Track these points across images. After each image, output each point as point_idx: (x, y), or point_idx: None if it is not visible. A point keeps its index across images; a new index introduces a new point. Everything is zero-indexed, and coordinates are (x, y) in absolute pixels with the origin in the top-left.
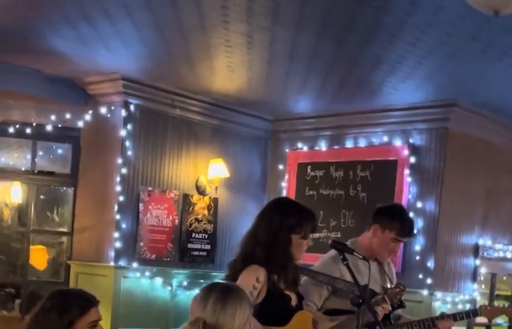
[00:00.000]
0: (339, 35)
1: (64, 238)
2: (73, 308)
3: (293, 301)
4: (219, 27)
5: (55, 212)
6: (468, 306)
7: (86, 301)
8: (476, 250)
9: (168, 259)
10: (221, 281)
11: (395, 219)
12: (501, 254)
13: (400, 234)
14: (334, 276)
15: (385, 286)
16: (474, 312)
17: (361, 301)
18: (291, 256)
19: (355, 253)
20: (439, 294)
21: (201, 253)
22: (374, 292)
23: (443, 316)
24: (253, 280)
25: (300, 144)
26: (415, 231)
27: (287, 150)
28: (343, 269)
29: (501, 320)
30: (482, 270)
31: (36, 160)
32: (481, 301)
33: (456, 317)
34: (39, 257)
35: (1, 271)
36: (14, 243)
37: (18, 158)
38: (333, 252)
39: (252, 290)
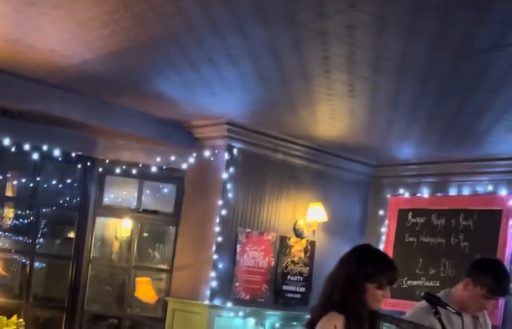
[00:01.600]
0: (441, 85)
1: (163, 275)
2: None
3: None
4: (321, 77)
5: (156, 249)
6: None
7: None
8: None
9: (262, 300)
10: None
11: (489, 275)
12: None
13: (491, 291)
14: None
15: None
16: None
17: None
18: (365, 304)
19: (448, 308)
20: None
21: (295, 295)
22: None
23: None
24: (331, 327)
25: (401, 190)
26: (509, 290)
27: (388, 195)
28: (433, 321)
29: None
30: None
31: (142, 198)
32: None
33: None
34: (145, 289)
35: (107, 302)
36: (121, 275)
37: (126, 196)
38: (424, 303)
39: None
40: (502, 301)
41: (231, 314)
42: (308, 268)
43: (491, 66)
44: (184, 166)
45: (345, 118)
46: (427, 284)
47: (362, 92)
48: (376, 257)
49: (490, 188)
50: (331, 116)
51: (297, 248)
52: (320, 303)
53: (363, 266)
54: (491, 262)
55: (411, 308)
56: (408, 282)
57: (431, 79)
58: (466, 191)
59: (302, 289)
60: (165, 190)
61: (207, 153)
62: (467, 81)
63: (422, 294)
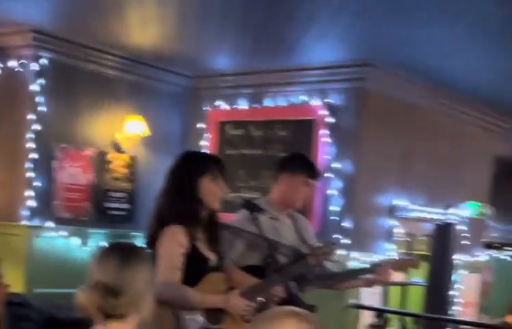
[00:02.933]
0: None
1: None
2: None
3: (213, 262)
4: None
5: None
6: None
7: None
8: (391, 210)
9: (85, 218)
10: (121, 241)
11: (303, 162)
12: (417, 215)
13: (309, 175)
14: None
15: (313, 245)
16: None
17: (269, 259)
18: (201, 202)
19: (266, 213)
20: (355, 254)
21: (120, 212)
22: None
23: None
24: (177, 248)
25: (219, 102)
26: (320, 173)
27: (206, 108)
28: (252, 228)
29: (416, 279)
30: (398, 230)
31: None
32: None
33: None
34: None
35: None
36: None
37: None
38: (243, 211)
39: (180, 259)
40: (319, 209)
41: (53, 233)
42: (131, 184)
43: None
44: None
45: (157, 26)
46: (248, 196)
47: None
48: (198, 153)
49: (304, 98)
50: (142, 23)
51: (117, 163)
52: (155, 218)
53: (189, 164)
54: (296, 153)
55: (233, 218)
56: (230, 195)
57: None
58: (281, 102)
59: (127, 206)
60: None
61: (12, 64)
62: None
63: (241, 202)
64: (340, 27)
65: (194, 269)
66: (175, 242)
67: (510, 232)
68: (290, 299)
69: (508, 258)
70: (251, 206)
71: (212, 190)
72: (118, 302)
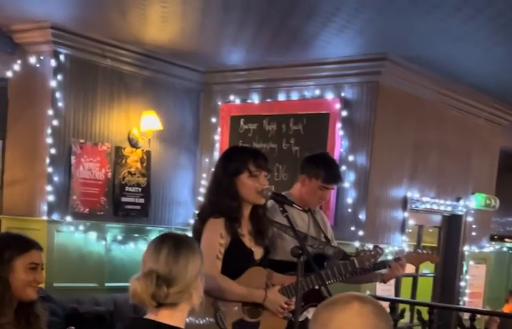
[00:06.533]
0: None
1: None
2: (13, 247)
3: (258, 255)
4: None
5: None
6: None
7: (26, 242)
8: (404, 203)
9: (102, 213)
10: (173, 232)
11: (320, 167)
12: (428, 206)
13: (325, 180)
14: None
15: (358, 248)
16: (396, 259)
17: (300, 251)
18: (238, 198)
19: (294, 205)
20: (370, 246)
21: (135, 207)
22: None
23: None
24: (217, 238)
25: (232, 97)
26: (341, 177)
27: (219, 102)
28: (282, 221)
29: (426, 270)
30: (410, 222)
31: None
32: None
33: (380, 266)
34: None
35: None
36: None
37: None
38: (271, 203)
39: (220, 249)
40: (333, 201)
41: (71, 228)
42: (146, 178)
43: None
44: (9, 74)
45: (177, 22)
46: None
47: None
48: (238, 148)
49: (317, 92)
50: (163, 19)
51: (133, 158)
52: (198, 214)
53: (227, 161)
54: (320, 155)
55: None
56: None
57: None
58: (295, 96)
59: (141, 200)
60: None
61: (32, 60)
62: None
63: (269, 194)
64: (360, 22)
65: (237, 262)
66: (215, 233)
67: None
68: (317, 292)
69: (508, 250)
70: (280, 198)
71: (250, 186)
72: (171, 291)
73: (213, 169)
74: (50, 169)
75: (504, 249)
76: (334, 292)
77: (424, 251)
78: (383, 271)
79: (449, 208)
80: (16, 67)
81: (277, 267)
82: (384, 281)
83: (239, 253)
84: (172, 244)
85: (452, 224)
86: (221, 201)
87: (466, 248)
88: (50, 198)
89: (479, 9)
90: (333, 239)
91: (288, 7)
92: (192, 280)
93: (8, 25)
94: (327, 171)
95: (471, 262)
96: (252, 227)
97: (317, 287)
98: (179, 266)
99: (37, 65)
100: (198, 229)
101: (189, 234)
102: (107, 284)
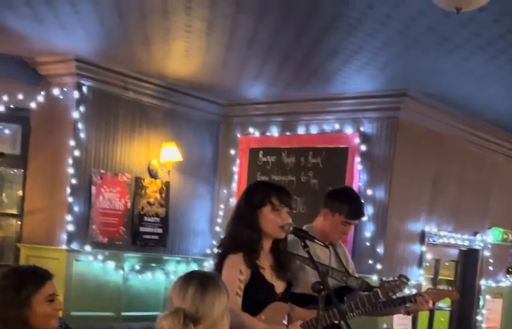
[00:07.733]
0: (299, 24)
1: (13, 221)
2: (28, 284)
3: (280, 289)
4: (181, 13)
5: (4, 193)
6: (414, 291)
7: (40, 276)
8: (422, 237)
9: (120, 242)
10: (199, 270)
11: (344, 202)
12: (445, 241)
13: (348, 215)
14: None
15: (382, 278)
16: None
17: (321, 287)
18: (260, 231)
19: (316, 241)
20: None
21: (153, 236)
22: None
23: (420, 293)
24: (236, 274)
25: (251, 130)
26: (363, 212)
27: (238, 135)
28: (304, 255)
29: (443, 304)
30: (428, 256)
31: None
32: (426, 285)
33: (405, 299)
34: None
35: None
36: None
37: None
38: (292, 237)
39: (239, 285)
40: (351, 234)
41: (90, 258)
42: (164, 209)
43: (349, 6)
44: (32, 105)
45: (200, 56)
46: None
47: (220, 30)
48: (263, 182)
49: (337, 126)
50: (186, 53)
51: (152, 189)
52: (220, 248)
53: (251, 193)
54: (343, 189)
55: None
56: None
57: (289, 17)
58: (314, 130)
59: (160, 230)
60: (7, 131)
61: (55, 92)
62: (323, 21)
63: (291, 229)
64: (383, 59)
65: (258, 297)
66: (234, 269)
67: None
68: (337, 326)
69: None
70: (302, 233)
71: (272, 220)
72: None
73: (235, 201)
74: (70, 199)
75: None
76: (354, 325)
77: (445, 288)
78: (407, 305)
79: (466, 242)
80: (40, 98)
81: (298, 300)
82: (408, 313)
83: (261, 286)
84: (199, 282)
85: (469, 258)
86: (242, 232)
87: (483, 282)
88: (70, 227)
89: (502, 50)
90: (355, 272)
91: (313, 46)
92: (218, 318)
93: (33, 57)
94: (350, 206)
95: (487, 297)
96: (274, 261)
97: (336, 322)
98: (206, 304)
99: (61, 96)
100: (220, 264)
101: (210, 262)
102: (123, 313)
